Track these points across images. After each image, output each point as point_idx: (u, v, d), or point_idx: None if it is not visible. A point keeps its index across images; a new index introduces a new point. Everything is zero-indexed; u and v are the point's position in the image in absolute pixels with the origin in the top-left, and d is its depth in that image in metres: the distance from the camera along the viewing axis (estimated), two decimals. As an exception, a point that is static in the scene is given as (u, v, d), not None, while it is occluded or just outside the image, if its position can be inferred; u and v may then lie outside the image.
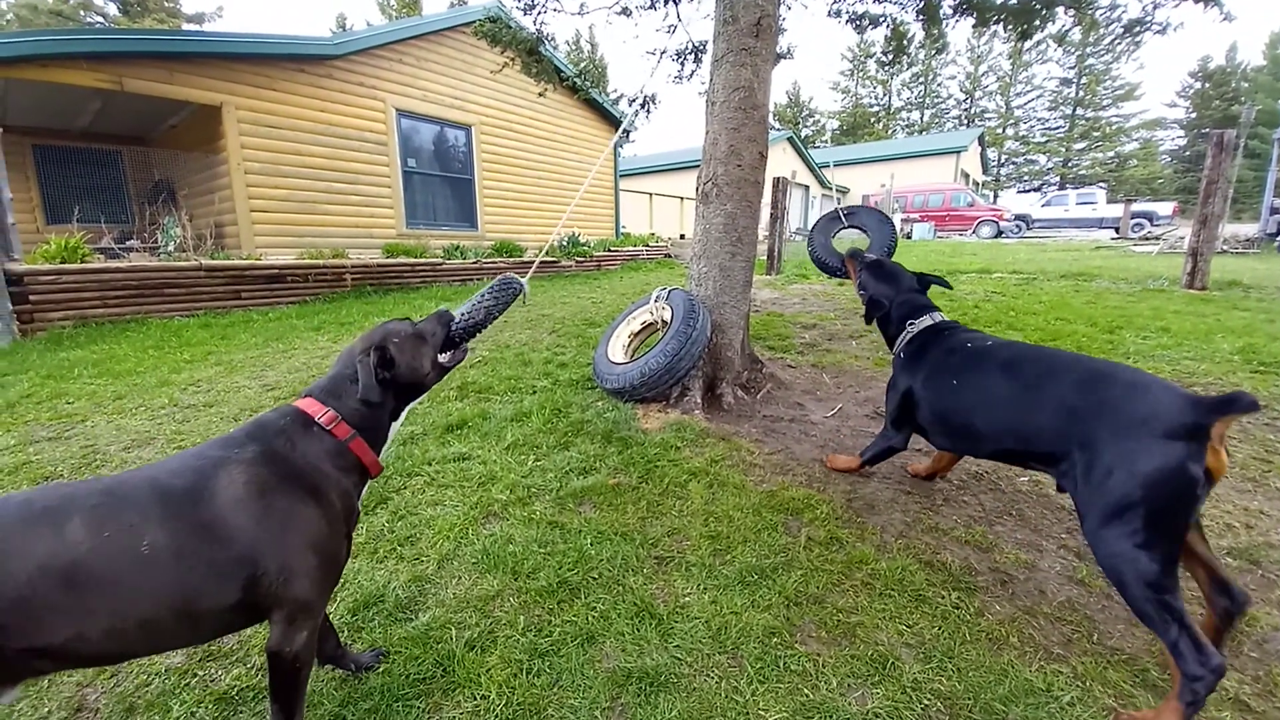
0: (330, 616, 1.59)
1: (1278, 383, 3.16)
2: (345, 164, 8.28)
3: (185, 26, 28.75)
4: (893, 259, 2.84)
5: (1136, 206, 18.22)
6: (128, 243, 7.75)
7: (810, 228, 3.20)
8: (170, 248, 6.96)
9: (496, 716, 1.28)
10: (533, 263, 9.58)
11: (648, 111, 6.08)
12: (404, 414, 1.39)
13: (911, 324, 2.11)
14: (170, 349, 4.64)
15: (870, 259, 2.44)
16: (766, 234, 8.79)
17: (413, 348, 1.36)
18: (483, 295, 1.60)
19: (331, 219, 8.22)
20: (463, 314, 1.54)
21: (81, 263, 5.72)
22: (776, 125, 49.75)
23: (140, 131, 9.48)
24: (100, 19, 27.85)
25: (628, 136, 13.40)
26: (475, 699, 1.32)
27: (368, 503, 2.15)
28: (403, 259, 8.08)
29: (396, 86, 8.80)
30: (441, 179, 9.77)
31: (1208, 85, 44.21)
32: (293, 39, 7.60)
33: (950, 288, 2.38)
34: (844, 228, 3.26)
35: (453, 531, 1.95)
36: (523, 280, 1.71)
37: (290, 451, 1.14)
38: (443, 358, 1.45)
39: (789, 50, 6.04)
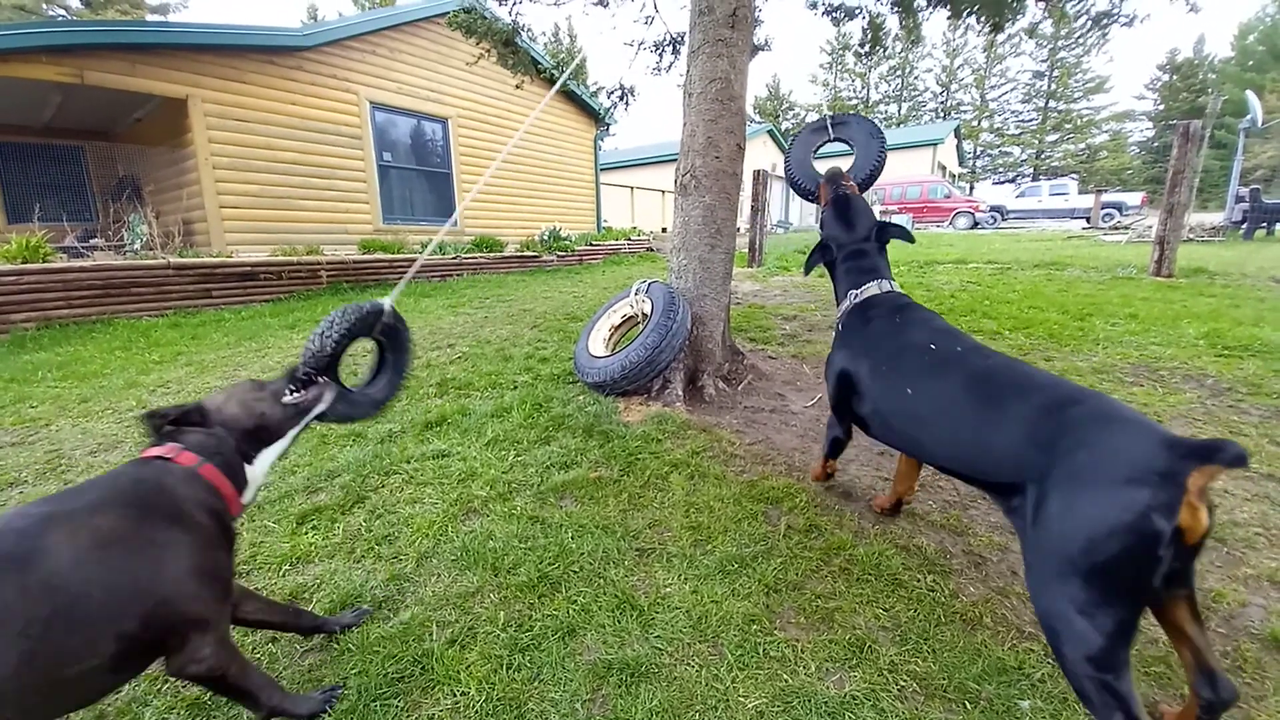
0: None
1: (1241, 366, 3.25)
2: (319, 158, 8.11)
3: (149, 18, 27.86)
4: (871, 185, 2.47)
5: (1107, 197, 18.65)
6: (92, 241, 7.53)
7: (792, 139, 2.72)
8: (137, 246, 6.76)
9: (476, 712, 1.27)
10: (525, 256, 9.52)
11: (626, 103, 6.04)
12: (260, 460, 1.30)
13: (854, 292, 1.86)
14: (138, 350, 4.51)
15: (842, 191, 2.10)
16: (748, 226, 8.82)
17: (240, 395, 1.31)
18: (320, 324, 1.50)
19: (305, 215, 8.05)
20: (304, 351, 1.46)
21: (44, 262, 5.53)
22: (756, 118, 49.86)
23: (103, 126, 9.18)
24: (63, 11, 26.99)
25: (607, 129, 13.31)
26: (455, 696, 1.31)
27: (344, 502, 2.12)
28: (379, 255, 7.95)
29: (370, 79, 8.63)
30: (418, 173, 9.63)
31: (1175, 77, 45.30)
32: (261, 30, 7.40)
33: (913, 241, 2.07)
34: (829, 140, 2.76)
35: (432, 529, 1.93)
36: (381, 301, 1.62)
37: (135, 487, 1.07)
38: (290, 397, 1.37)
39: (766, 42, 6.05)
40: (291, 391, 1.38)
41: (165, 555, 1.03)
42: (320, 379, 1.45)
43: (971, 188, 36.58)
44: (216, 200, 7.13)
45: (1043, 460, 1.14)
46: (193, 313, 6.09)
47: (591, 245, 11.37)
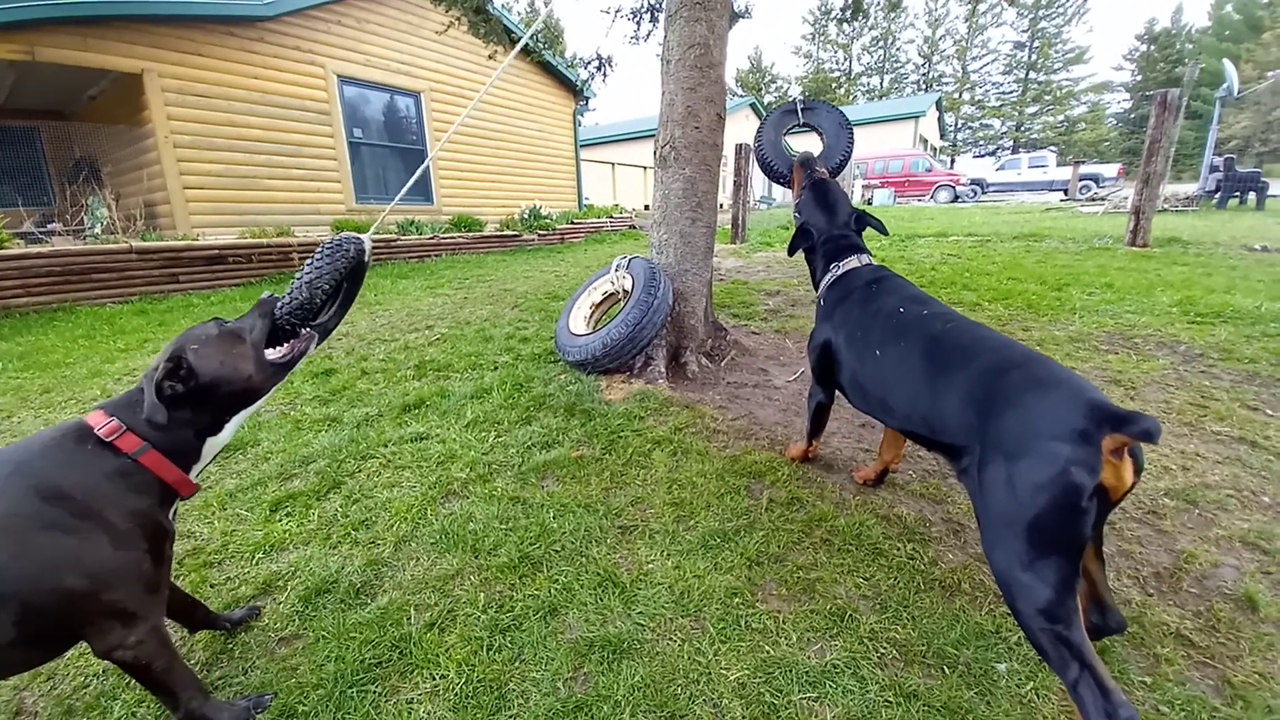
0: (278, 606, 1.54)
1: (1213, 332, 3.31)
2: (285, 135, 7.81)
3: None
4: (839, 175, 2.53)
5: (1084, 169, 18.82)
6: (50, 226, 7.22)
7: (762, 119, 2.78)
8: (97, 230, 6.50)
9: (456, 694, 1.25)
10: (505, 235, 9.34)
11: (604, 74, 5.88)
12: (230, 426, 1.21)
13: (836, 265, 1.90)
14: (102, 338, 4.36)
15: (817, 176, 2.14)
16: (730, 202, 8.73)
17: (223, 351, 1.18)
18: (305, 267, 1.40)
19: (274, 195, 7.78)
20: (285, 297, 1.34)
21: (0, 249, 5.30)
22: (739, 91, 49.19)
23: (58, 105, 8.75)
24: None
25: (586, 104, 13.02)
26: (434, 679, 1.29)
27: (319, 488, 2.07)
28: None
29: (337, 50, 8.29)
30: (391, 150, 9.34)
31: (1153, 48, 45.51)
32: (218, -1, 7.05)
33: (887, 234, 2.09)
34: (798, 124, 2.79)
35: (410, 513, 1.90)
36: (361, 237, 1.52)
37: (53, 471, 1.01)
38: (275, 353, 1.28)
39: (747, 9, 5.89)
40: (277, 344, 1.32)
41: (69, 549, 0.99)
42: (304, 330, 1.37)
43: (953, 161, 36.66)
44: (179, 181, 6.85)
45: (981, 422, 1.20)
46: (159, 298, 5.89)
47: (573, 223, 11.20)
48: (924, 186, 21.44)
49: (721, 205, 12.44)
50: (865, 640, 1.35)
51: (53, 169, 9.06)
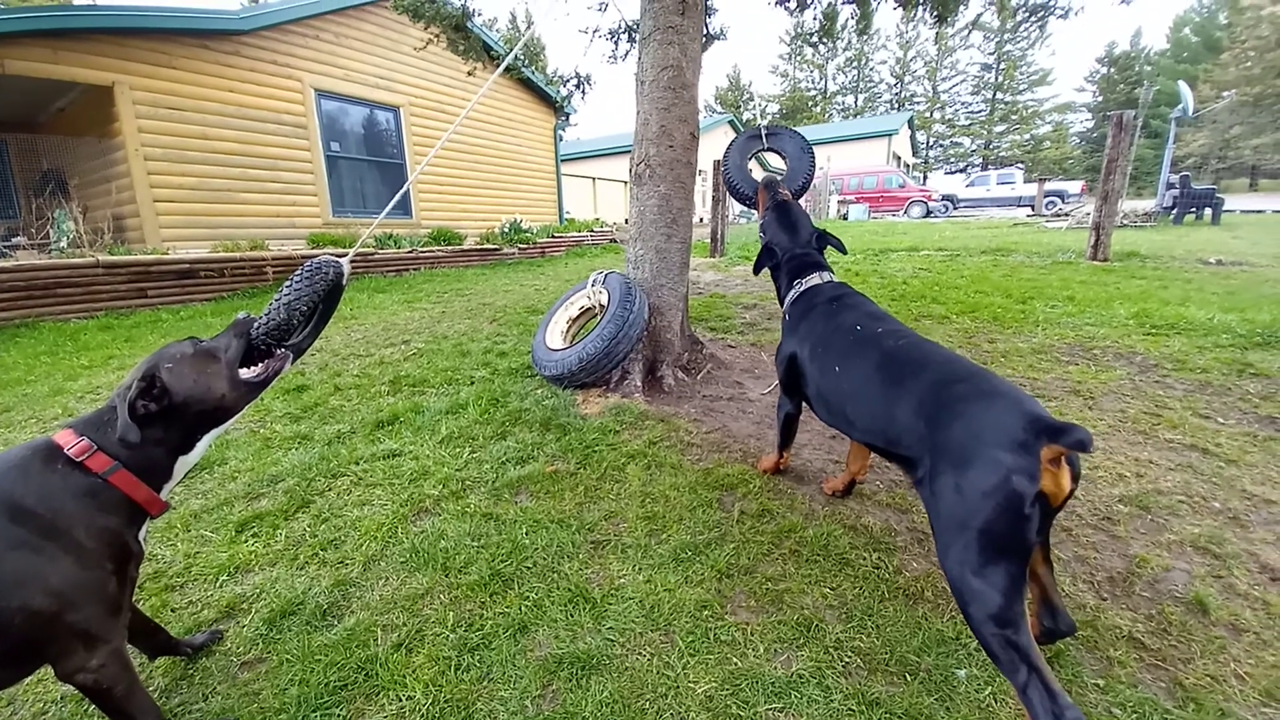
0: (241, 630, 1.51)
1: (1168, 343, 3.44)
2: (261, 149, 7.74)
3: (76, 0, 26.01)
4: (802, 197, 2.63)
5: (1049, 186, 19.49)
6: (14, 240, 7.02)
7: (728, 144, 2.87)
8: (63, 244, 6.35)
9: (422, 716, 1.24)
10: (484, 249, 9.31)
11: (583, 91, 5.96)
12: (201, 445, 1.22)
13: (799, 282, 1.97)
14: (65, 354, 4.24)
15: (780, 198, 2.23)
16: (709, 217, 8.85)
17: (196, 370, 1.18)
18: (283, 288, 1.41)
19: (248, 208, 7.69)
20: (262, 317, 1.36)
21: (-45, 263, 5.14)
22: (718, 108, 50.04)
23: (25, 116, 8.55)
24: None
25: (567, 119, 13.14)
26: (400, 700, 1.28)
27: (287, 507, 2.04)
28: (330, 250, 7.67)
29: (314, 65, 8.28)
30: (370, 164, 9.30)
31: (1113, 70, 47.49)
32: (193, 13, 7.00)
33: (845, 252, 2.18)
34: (763, 149, 2.89)
35: (380, 531, 1.88)
36: (341, 261, 1.55)
37: (21, 490, 1.00)
38: (249, 373, 1.28)
39: (722, 31, 6.03)
40: (251, 364, 1.31)
41: (36, 569, 0.98)
42: (279, 350, 1.37)
43: (925, 177, 37.63)
44: (150, 194, 6.74)
45: (931, 433, 1.24)
46: (126, 314, 5.75)
47: (553, 237, 11.23)
48: (897, 202, 21.98)
49: (701, 220, 12.60)
50: (831, 650, 1.38)
51: (19, 181, 8.82)
